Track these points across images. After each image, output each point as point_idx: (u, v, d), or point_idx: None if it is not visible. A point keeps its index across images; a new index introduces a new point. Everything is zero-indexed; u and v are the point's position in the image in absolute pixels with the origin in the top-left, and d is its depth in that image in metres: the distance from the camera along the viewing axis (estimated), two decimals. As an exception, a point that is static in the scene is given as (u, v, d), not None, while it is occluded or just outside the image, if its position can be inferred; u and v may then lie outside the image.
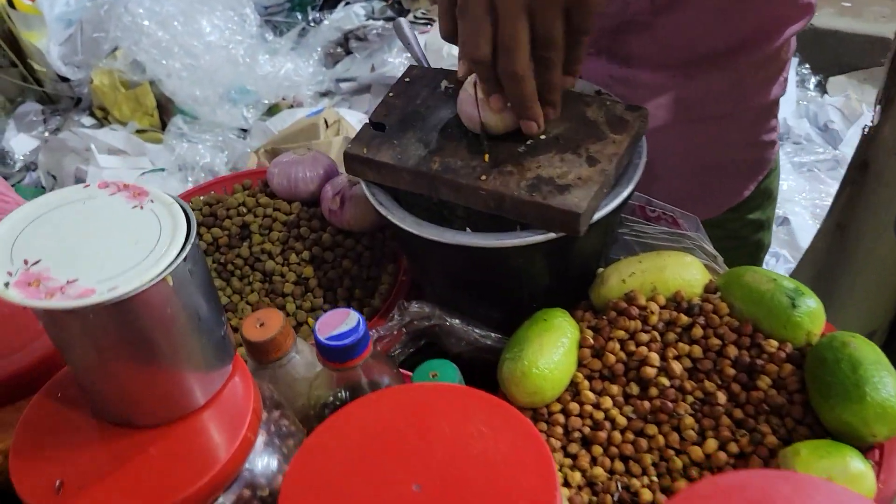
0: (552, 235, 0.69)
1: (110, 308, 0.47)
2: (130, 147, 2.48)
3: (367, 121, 0.78)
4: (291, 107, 2.61)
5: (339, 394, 0.64)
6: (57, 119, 2.79)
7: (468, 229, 0.73)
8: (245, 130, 2.52)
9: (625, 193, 0.72)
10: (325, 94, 2.70)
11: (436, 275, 0.81)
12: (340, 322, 0.61)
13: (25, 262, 0.49)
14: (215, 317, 0.55)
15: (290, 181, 0.91)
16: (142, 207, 0.53)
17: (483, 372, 0.87)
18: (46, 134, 2.69)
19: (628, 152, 0.73)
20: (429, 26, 2.72)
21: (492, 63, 0.66)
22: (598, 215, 0.70)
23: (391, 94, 0.80)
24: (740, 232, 1.12)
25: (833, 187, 2.42)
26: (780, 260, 2.22)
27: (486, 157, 0.72)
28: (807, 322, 0.70)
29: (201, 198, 0.95)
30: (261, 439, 0.58)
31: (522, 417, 0.52)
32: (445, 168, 0.72)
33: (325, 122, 2.28)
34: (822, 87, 2.82)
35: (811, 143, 2.57)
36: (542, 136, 0.73)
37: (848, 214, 1.09)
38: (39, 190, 2.54)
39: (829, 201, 2.36)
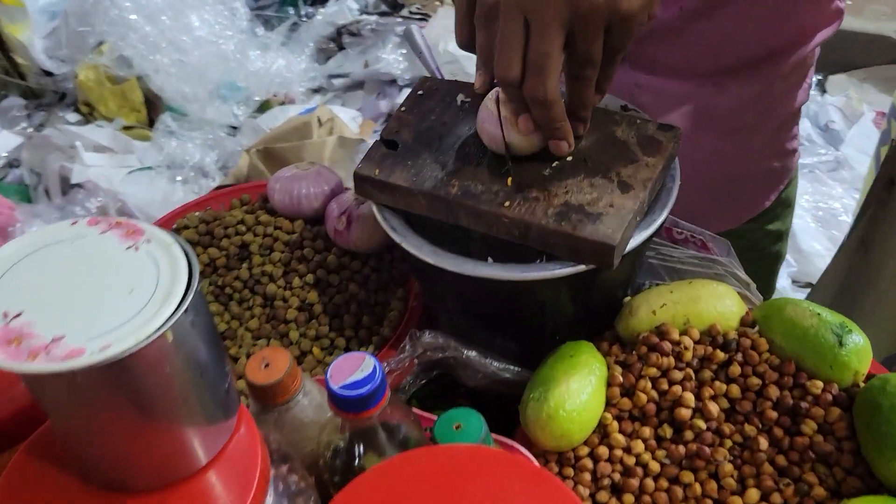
0: (582, 268, 0.64)
1: (102, 369, 0.42)
2: (117, 144, 2.40)
3: (378, 138, 0.72)
4: (283, 103, 2.54)
5: (352, 443, 0.58)
6: (41, 114, 2.71)
7: (490, 259, 0.67)
8: (235, 128, 2.45)
9: (658, 221, 0.67)
10: (317, 91, 2.63)
11: (451, 304, 0.75)
12: (355, 368, 0.55)
13: (5, 314, 0.43)
14: (219, 369, 0.49)
15: (293, 198, 0.85)
16: (137, 248, 0.47)
17: (498, 404, 0.82)
18: (30, 130, 2.61)
19: (661, 176, 0.68)
20: (424, 22, 2.65)
21: (520, 84, 0.60)
22: (630, 245, 0.65)
23: (403, 109, 0.75)
24: (760, 243, 1.08)
25: (836, 189, 2.39)
26: (784, 264, 2.17)
27: (509, 180, 0.66)
28: (854, 361, 0.65)
29: (196, 214, 0.88)
30: (269, 501, 0.52)
31: (560, 484, 0.46)
32: (465, 192, 0.66)
33: (319, 120, 2.21)
34: (821, 87, 2.78)
35: (812, 143, 2.52)
36: (569, 158, 0.68)
37: (872, 232, 1.04)
38: (23, 187, 2.47)
39: (831, 203, 2.34)
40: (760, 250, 1.09)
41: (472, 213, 0.66)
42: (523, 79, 0.60)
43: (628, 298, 0.75)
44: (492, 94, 0.67)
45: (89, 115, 2.59)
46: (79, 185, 2.26)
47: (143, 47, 2.31)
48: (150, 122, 2.53)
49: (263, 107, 2.52)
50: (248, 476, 0.51)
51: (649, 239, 0.67)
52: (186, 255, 0.47)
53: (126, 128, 2.50)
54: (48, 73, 2.67)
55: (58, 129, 2.43)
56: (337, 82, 2.64)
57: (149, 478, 0.49)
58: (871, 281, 1.05)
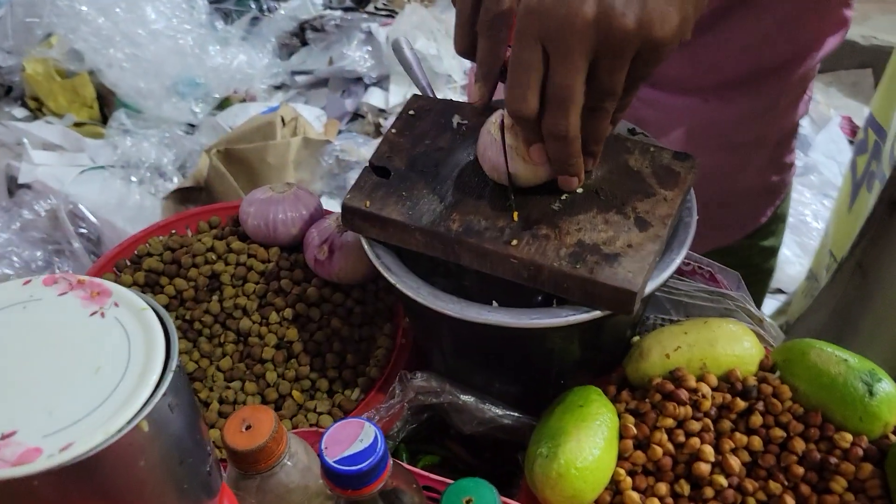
0: (597, 314, 0.58)
1: (63, 473, 0.34)
2: (67, 142, 2.28)
3: (368, 163, 0.65)
4: (244, 101, 2.44)
5: (347, 518, 0.51)
6: (-15, 109, 2.57)
7: (494, 303, 0.61)
8: (194, 126, 2.35)
9: (677, 261, 0.61)
10: (279, 88, 2.53)
11: (446, 345, 0.69)
12: (354, 438, 0.49)
13: (-59, 403, 0.36)
14: (200, 451, 0.43)
15: (269, 224, 0.77)
16: (103, 315, 0.40)
17: (494, 448, 0.76)
18: (-27, 125, 2.47)
19: (680, 210, 0.62)
20: (390, 19, 2.57)
21: (537, 118, 0.54)
22: (649, 287, 0.59)
23: (393, 131, 0.68)
24: (753, 259, 1.05)
25: (804, 194, 2.38)
26: (755, 271, 2.16)
27: (515, 215, 0.60)
28: (885, 411, 0.60)
29: (160, 239, 0.80)
30: None
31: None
32: (468, 229, 0.60)
33: (282, 119, 2.13)
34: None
35: (782, 148, 2.51)
36: (580, 189, 0.62)
37: (871, 256, 1.00)
38: (-34, 187, 2.33)
39: (801, 209, 2.33)
40: (754, 266, 1.06)
41: (475, 252, 0.60)
42: (540, 112, 0.54)
43: (637, 339, 0.70)
44: (495, 118, 0.61)
45: (38, 110, 2.46)
46: (27, 186, 2.15)
47: (95, 40, 2.19)
48: (104, 119, 2.41)
49: (223, 104, 2.42)
50: (232, 569, 0.44)
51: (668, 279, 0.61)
52: (162, 321, 0.40)
53: (77, 124, 2.38)
54: (-7, 66, 2.53)
55: (3, 125, 2.30)
56: (300, 79, 2.55)
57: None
58: (868, 305, 1.01)
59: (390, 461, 0.50)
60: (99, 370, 0.37)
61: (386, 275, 0.62)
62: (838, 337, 1.06)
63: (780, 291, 2.19)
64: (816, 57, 0.86)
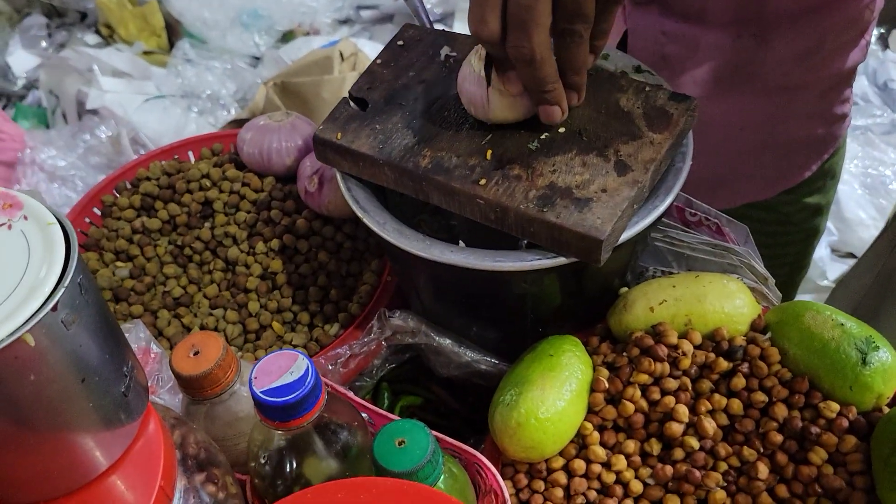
0: (561, 261, 0.55)
1: (-61, 380, 0.34)
2: (135, 70, 2.32)
3: (347, 95, 0.63)
4: (307, 34, 2.43)
5: (283, 449, 0.51)
6: (62, 34, 2.64)
7: (461, 242, 0.58)
8: (257, 58, 2.36)
9: (661, 208, 0.57)
10: (344, 22, 2.51)
11: (423, 287, 0.67)
12: (284, 370, 0.48)
13: None
14: (112, 372, 0.42)
15: (263, 152, 0.76)
16: (10, 227, 0.40)
17: (476, 394, 0.74)
18: (50, 51, 2.54)
19: (668, 155, 0.58)
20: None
21: (501, 40, 0.51)
22: (624, 236, 0.55)
23: (378, 62, 0.65)
24: (794, 217, 0.97)
25: (888, 154, 2.24)
26: (825, 232, 2.05)
27: (489, 153, 0.57)
28: (878, 383, 0.56)
29: (160, 164, 0.80)
30: (174, 516, 0.46)
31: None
32: (437, 166, 0.57)
33: (341, 54, 2.11)
34: (883, 41, 2.58)
35: (868, 103, 2.35)
36: (561, 129, 0.58)
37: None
38: (41, 110, 2.42)
39: (882, 169, 2.19)
40: (795, 224, 0.98)
41: (442, 190, 0.57)
42: (504, 35, 0.50)
43: (625, 289, 0.66)
44: (475, 49, 0.57)
45: (109, 37, 2.52)
46: (93, 112, 2.21)
47: (163, -31, 2.21)
48: (171, 48, 2.44)
49: (287, 37, 2.42)
50: (147, 488, 0.44)
51: (649, 228, 0.57)
52: (67, 237, 0.39)
53: (146, 53, 2.42)
54: (71, -9, 2.59)
55: (76, 52, 2.36)
56: (365, 14, 2.52)
57: (28, 492, 0.42)
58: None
59: (323, 395, 0.49)
60: (-8, 281, 0.37)
61: (354, 208, 0.60)
62: (879, 302, 0.99)
63: (851, 256, 2.08)
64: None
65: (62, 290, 0.37)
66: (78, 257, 0.39)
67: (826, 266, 1.94)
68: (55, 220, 0.40)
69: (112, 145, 2.08)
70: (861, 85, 2.41)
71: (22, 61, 2.50)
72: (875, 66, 2.45)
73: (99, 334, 0.41)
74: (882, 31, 2.57)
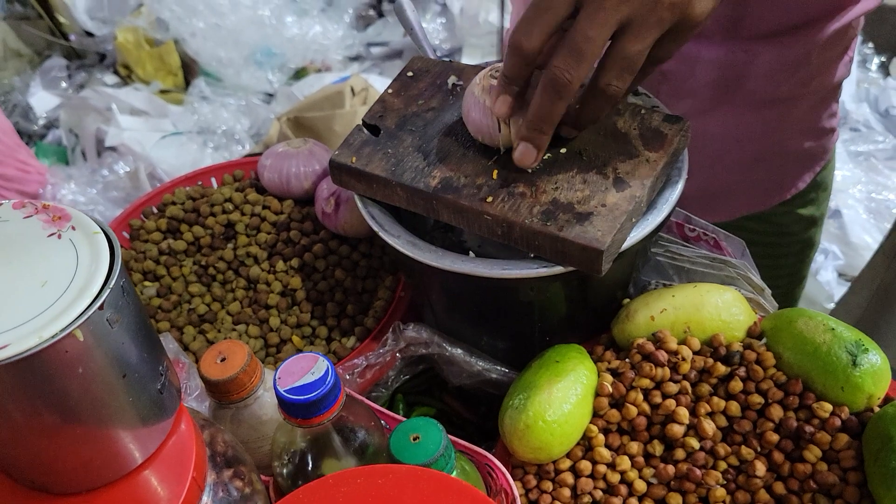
0: (560, 269, 0.58)
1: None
2: (152, 108, 2.39)
3: (361, 122, 0.67)
4: (319, 71, 2.50)
5: (305, 447, 0.54)
6: (82, 75, 2.71)
7: (471, 253, 0.62)
8: (271, 95, 2.42)
9: (658, 220, 0.61)
10: (354, 59, 2.58)
11: (436, 298, 0.70)
12: (306, 370, 0.51)
13: None
14: (149, 370, 0.46)
15: (282, 176, 0.81)
16: (59, 236, 0.44)
17: (489, 406, 0.77)
18: (70, 91, 2.62)
19: (664, 172, 0.62)
20: (466, -10, 2.57)
21: (532, 60, 0.54)
22: (625, 246, 0.59)
23: (390, 91, 0.69)
24: (790, 228, 1.01)
25: (892, 179, 2.27)
26: (830, 256, 2.08)
27: (495, 173, 0.61)
28: (869, 384, 0.59)
29: (185, 189, 0.85)
30: (205, 508, 0.49)
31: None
32: (446, 186, 0.61)
33: (352, 89, 2.17)
34: (885, 69, 2.63)
35: (870, 129, 2.39)
36: (563, 150, 0.62)
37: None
38: (61, 148, 2.48)
39: (886, 194, 2.22)
40: (791, 235, 1.02)
41: (452, 208, 0.61)
42: (538, 54, 0.54)
43: (627, 301, 0.70)
44: (479, 79, 0.62)
45: (127, 77, 2.59)
46: (112, 149, 2.27)
47: (179, 10, 2.29)
48: (188, 86, 2.51)
49: (299, 74, 2.49)
50: (180, 481, 0.47)
51: (648, 238, 0.61)
52: (111, 244, 0.43)
53: (163, 91, 2.49)
54: (90, 34, 2.67)
55: (95, 91, 2.43)
56: (375, 51, 2.59)
57: (70, 481, 0.46)
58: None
59: (342, 395, 0.52)
60: (45, 284, 0.41)
61: (370, 223, 0.64)
62: (878, 317, 1.02)
63: (858, 279, 2.09)
64: (850, 14, 0.82)
65: (108, 290, 0.41)
66: (121, 262, 0.43)
67: (833, 289, 1.96)
68: (100, 230, 0.44)
69: (130, 180, 2.14)
70: (863, 112, 2.45)
71: (43, 102, 2.58)
72: (877, 94, 2.49)
73: (138, 335, 0.45)
74: (883, 59, 2.62)
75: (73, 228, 0.44)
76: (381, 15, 2.65)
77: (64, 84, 2.65)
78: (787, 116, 0.88)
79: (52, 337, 0.39)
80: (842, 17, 0.81)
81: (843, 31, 0.83)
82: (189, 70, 2.53)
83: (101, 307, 0.40)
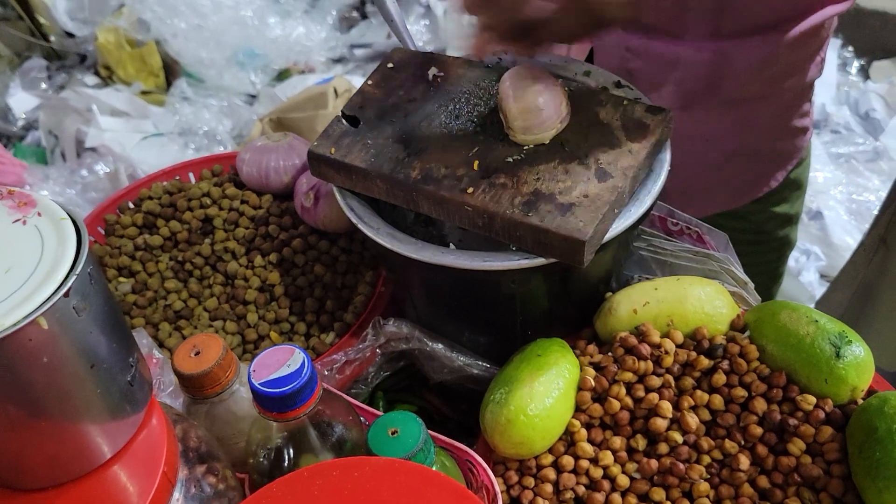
0: (542, 261, 0.58)
1: (-40, 359, 0.37)
2: (133, 109, 2.37)
3: (340, 113, 0.66)
4: (302, 72, 2.48)
5: (281, 442, 0.53)
6: (62, 76, 2.68)
7: (451, 245, 0.61)
8: (253, 96, 2.40)
9: (641, 211, 0.60)
10: (338, 61, 2.56)
11: (416, 292, 0.69)
12: (282, 363, 0.50)
13: None
14: (118, 361, 0.44)
15: (261, 170, 0.79)
16: (25, 222, 0.42)
17: (470, 401, 0.76)
18: (50, 92, 2.59)
19: (647, 163, 0.61)
20: (451, -8, 2.57)
21: None
22: (607, 237, 0.58)
23: (370, 83, 0.68)
24: (765, 226, 1.01)
25: (872, 181, 2.28)
26: (812, 257, 2.08)
27: (476, 164, 0.60)
28: (852, 376, 0.58)
29: (162, 184, 0.83)
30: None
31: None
32: (426, 177, 0.60)
33: (335, 90, 2.16)
34: (864, 72, 2.65)
35: (850, 132, 2.41)
36: (546, 142, 0.61)
37: (893, 231, 0.96)
38: (41, 150, 2.45)
39: (866, 195, 2.23)
40: (767, 234, 1.02)
41: (432, 199, 0.60)
42: None
43: (610, 294, 0.69)
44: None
45: (108, 78, 2.57)
46: (93, 149, 2.24)
47: (161, 10, 2.27)
48: (169, 87, 2.49)
49: (282, 75, 2.47)
50: (150, 476, 0.46)
51: (630, 230, 0.60)
52: (78, 231, 0.42)
53: (144, 92, 2.47)
54: (70, 35, 2.64)
55: (76, 92, 2.41)
56: (359, 52, 2.58)
57: (36, 476, 0.44)
58: (890, 281, 0.97)
59: (319, 388, 0.51)
60: (9, 271, 0.40)
61: (349, 215, 0.63)
62: (859, 317, 1.02)
63: (840, 280, 2.10)
64: (820, 15, 0.82)
65: (74, 277, 0.40)
66: (88, 249, 0.41)
67: (815, 290, 1.97)
68: (67, 216, 0.43)
69: (109, 181, 2.11)
70: (843, 114, 2.47)
71: (22, 102, 2.55)
72: (857, 97, 2.51)
73: (107, 324, 0.43)
74: (862, 62, 2.64)
75: (39, 215, 0.43)
76: (364, 17, 2.64)
77: (44, 85, 2.62)
78: (758, 116, 0.89)
79: (15, 324, 0.37)
80: (812, 18, 0.81)
81: (813, 32, 0.82)
82: (171, 71, 2.50)
83: (66, 294, 0.39)
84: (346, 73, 2.53)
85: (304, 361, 0.50)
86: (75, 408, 0.43)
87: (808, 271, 2.05)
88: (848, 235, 2.14)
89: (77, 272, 0.40)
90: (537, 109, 0.60)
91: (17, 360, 0.39)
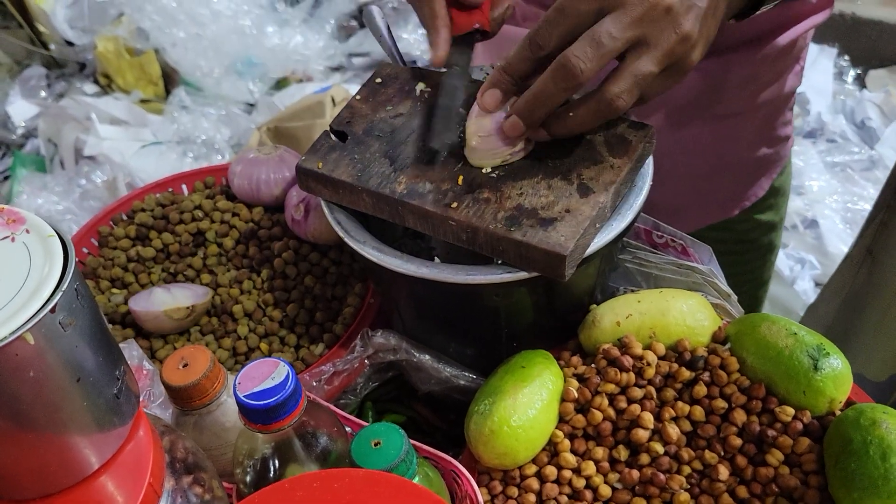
0: (524, 275, 0.59)
1: (-52, 374, 0.38)
2: (132, 117, 2.38)
3: (328, 128, 0.67)
4: (300, 81, 2.50)
5: (266, 453, 0.54)
6: (62, 84, 2.70)
7: (436, 258, 0.62)
8: (252, 105, 2.42)
9: (622, 225, 0.61)
10: (336, 70, 2.58)
11: (403, 304, 0.70)
12: (266, 375, 0.51)
13: None
14: (105, 375, 0.45)
15: (252, 183, 0.81)
16: (13, 239, 0.43)
17: (458, 413, 0.77)
18: (49, 100, 2.61)
19: (629, 178, 0.62)
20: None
21: (540, 57, 0.56)
22: (589, 251, 0.59)
23: (358, 98, 0.70)
24: (750, 234, 1.03)
25: (868, 190, 2.29)
26: (807, 266, 2.09)
27: (460, 179, 0.61)
28: (830, 388, 0.59)
29: (155, 196, 0.85)
30: (162, 515, 0.48)
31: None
32: (411, 192, 0.61)
33: (333, 99, 2.17)
34: (860, 81, 2.66)
35: (846, 141, 2.42)
36: (527, 158, 0.62)
37: (880, 242, 0.97)
38: (40, 158, 2.47)
39: (861, 205, 2.24)
40: (752, 242, 1.04)
41: (417, 213, 0.61)
42: (549, 55, 0.56)
43: (594, 306, 0.70)
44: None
45: (107, 86, 2.58)
46: (91, 158, 2.26)
47: (159, 19, 2.29)
48: (168, 96, 2.51)
49: (280, 84, 2.49)
50: (136, 487, 0.47)
51: (613, 244, 0.61)
52: (65, 248, 0.43)
53: (143, 101, 2.48)
54: (70, 43, 2.66)
55: (75, 100, 2.42)
56: (356, 61, 2.59)
57: (22, 487, 0.45)
58: (876, 293, 0.98)
59: (303, 400, 0.52)
60: (-4, 287, 0.41)
61: (336, 229, 0.64)
62: (847, 328, 1.03)
63: (834, 289, 2.11)
64: (798, 29, 0.84)
65: (60, 293, 0.41)
66: (74, 266, 0.42)
67: (810, 298, 1.98)
68: (54, 233, 0.44)
69: (107, 189, 2.13)
70: (839, 123, 2.48)
71: (21, 111, 2.56)
72: (853, 105, 2.52)
73: (94, 338, 0.44)
74: (858, 71, 2.65)
75: (28, 232, 0.44)
76: (362, 26, 2.65)
77: (43, 93, 2.64)
78: (740, 129, 0.90)
79: (2, 340, 0.38)
80: (789, 32, 0.82)
81: (791, 45, 0.84)
82: (169, 79, 2.52)
83: (52, 310, 0.40)
84: (344, 82, 2.54)
85: (288, 374, 0.51)
86: (62, 420, 0.44)
87: (802, 280, 2.06)
88: (843, 244, 2.15)
89: (63, 289, 0.41)
90: (487, 135, 0.60)
91: (3, 375, 0.40)
